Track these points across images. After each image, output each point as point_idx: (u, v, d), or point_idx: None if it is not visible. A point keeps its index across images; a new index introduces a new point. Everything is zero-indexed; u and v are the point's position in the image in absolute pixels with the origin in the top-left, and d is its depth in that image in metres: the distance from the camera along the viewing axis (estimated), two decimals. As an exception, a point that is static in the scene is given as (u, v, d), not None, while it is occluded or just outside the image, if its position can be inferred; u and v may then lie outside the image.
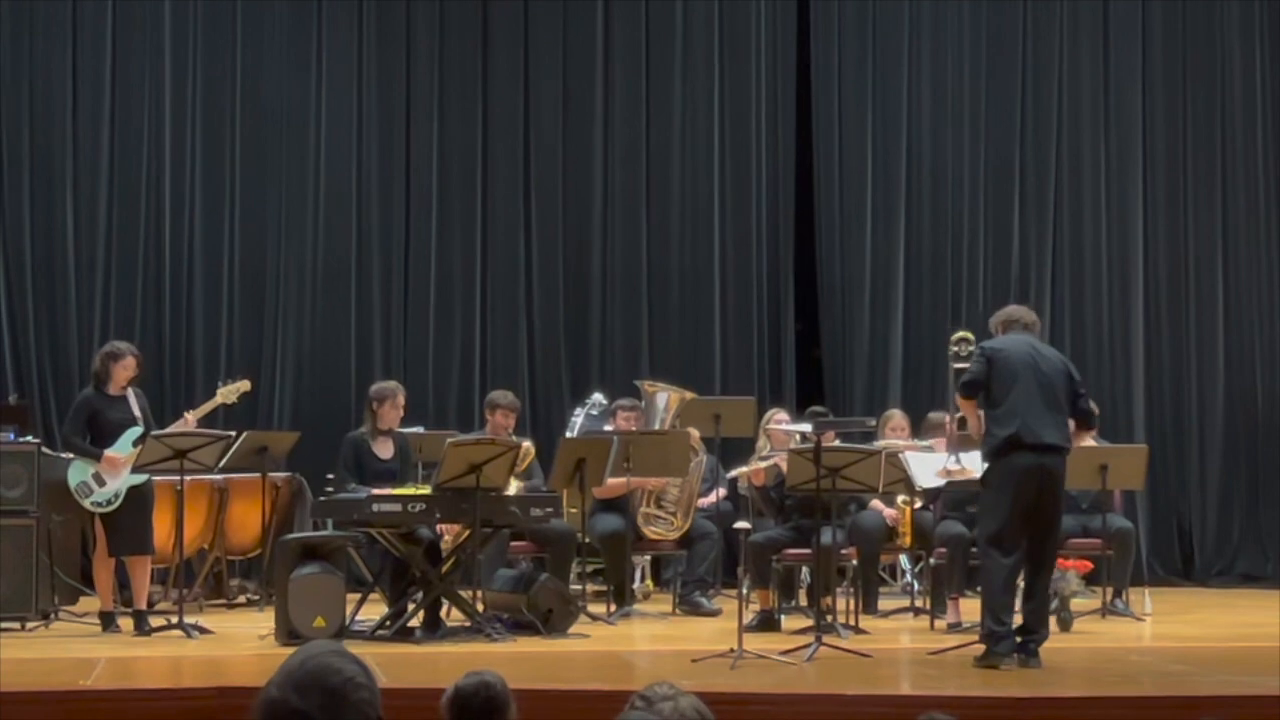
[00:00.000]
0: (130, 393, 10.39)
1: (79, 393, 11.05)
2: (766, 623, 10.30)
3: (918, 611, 11.10)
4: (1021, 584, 8.80)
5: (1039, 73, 14.28)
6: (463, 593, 10.17)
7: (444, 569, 10.04)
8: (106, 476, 10.18)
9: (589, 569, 11.68)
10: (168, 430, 10.32)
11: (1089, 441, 10.33)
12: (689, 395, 12.22)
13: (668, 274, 14.08)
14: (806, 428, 9.98)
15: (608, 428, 11.79)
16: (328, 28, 13.90)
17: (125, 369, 10.36)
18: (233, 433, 10.96)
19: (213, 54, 13.75)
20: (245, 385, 11.13)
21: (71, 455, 10.51)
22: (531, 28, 14.06)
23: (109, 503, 10.19)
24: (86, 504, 10.24)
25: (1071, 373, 8.83)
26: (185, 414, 10.70)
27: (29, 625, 10.25)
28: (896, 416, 11.73)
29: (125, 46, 13.68)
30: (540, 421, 13.66)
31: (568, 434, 11.93)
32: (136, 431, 10.19)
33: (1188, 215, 14.23)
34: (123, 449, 10.15)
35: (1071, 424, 8.80)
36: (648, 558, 12.40)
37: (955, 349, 10.14)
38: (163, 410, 11.62)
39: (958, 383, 9.11)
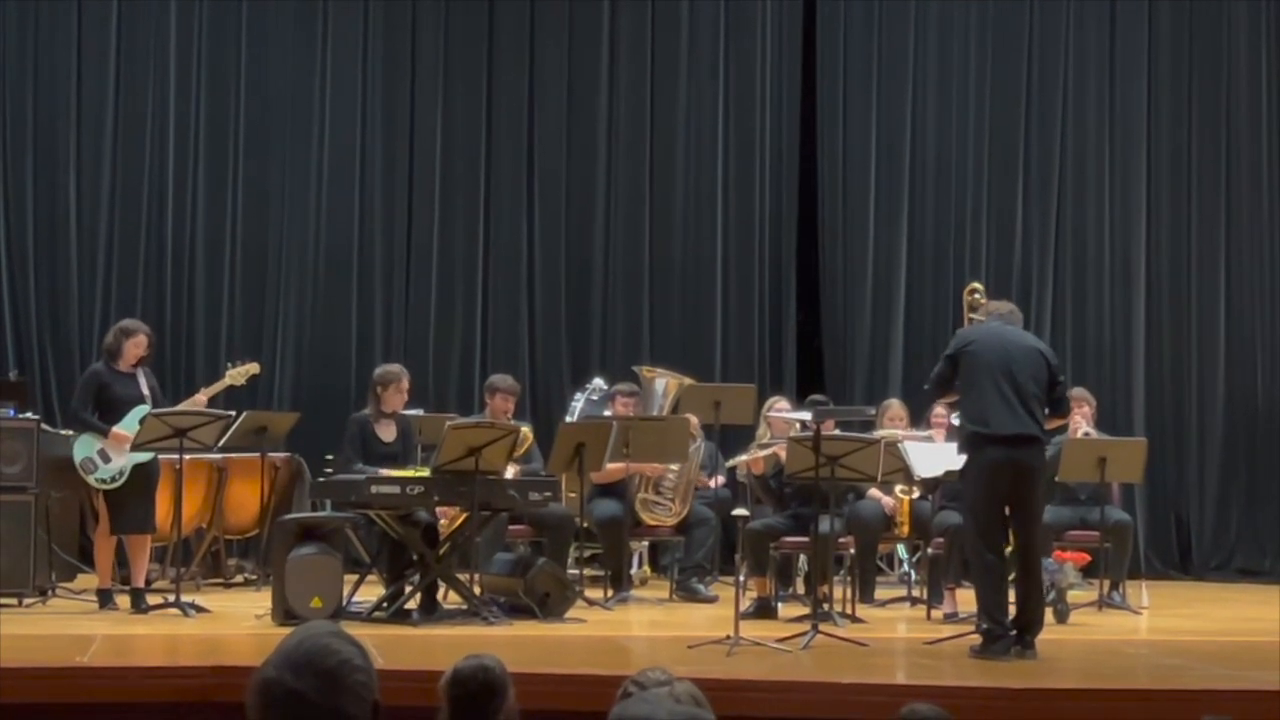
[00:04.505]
0: (140, 372, 10.41)
1: (84, 368, 11.09)
2: (763, 610, 10.29)
3: (914, 601, 11.10)
4: (1013, 577, 8.81)
5: (1044, 66, 14.26)
6: (460, 576, 10.18)
7: (441, 552, 10.04)
8: (112, 453, 10.18)
9: (586, 554, 11.68)
10: (170, 408, 10.34)
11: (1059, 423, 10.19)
12: (687, 381, 12.23)
13: (670, 261, 14.07)
14: (806, 416, 9.98)
15: (607, 413, 11.79)
16: (333, 11, 13.88)
17: (137, 346, 10.37)
18: (232, 412, 10.97)
19: (217, 36, 13.72)
20: (255, 368, 11.13)
21: (72, 433, 10.51)
22: (537, 15, 14.03)
23: (113, 480, 10.19)
24: (91, 480, 10.24)
25: (1048, 359, 8.79)
26: (201, 390, 10.72)
27: (26, 601, 10.26)
28: (895, 406, 11.73)
29: (130, 27, 13.66)
30: (540, 406, 13.66)
31: (567, 419, 11.93)
32: (144, 410, 10.19)
33: (1191, 210, 14.22)
34: (130, 426, 10.14)
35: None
36: (645, 543, 12.39)
37: (969, 298, 10.24)
38: (162, 388, 11.60)
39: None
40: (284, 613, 9.51)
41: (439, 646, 8.62)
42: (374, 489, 9.73)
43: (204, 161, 13.71)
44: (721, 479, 12.09)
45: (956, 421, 9.59)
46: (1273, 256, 14.13)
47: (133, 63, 13.66)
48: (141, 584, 10.28)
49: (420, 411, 11.76)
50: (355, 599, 10.02)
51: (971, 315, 9.79)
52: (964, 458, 8.82)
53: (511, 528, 11.23)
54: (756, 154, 14.14)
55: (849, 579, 10.81)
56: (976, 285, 10.28)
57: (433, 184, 13.92)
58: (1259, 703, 7.25)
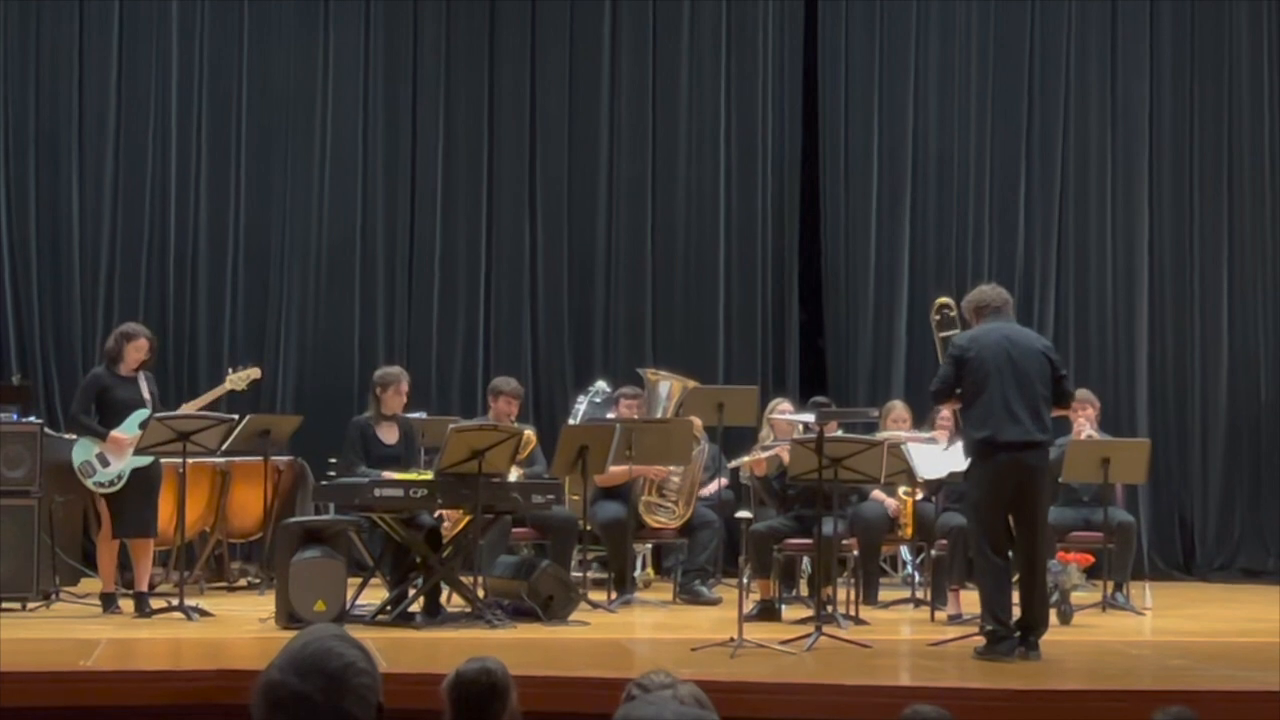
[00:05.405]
0: (141, 376, 10.42)
1: (86, 372, 11.09)
2: (767, 612, 10.30)
3: (918, 603, 11.10)
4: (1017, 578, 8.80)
5: (1046, 65, 14.26)
6: (464, 578, 10.18)
7: (445, 554, 10.04)
8: (111, 457, 10.18)
9: (590, 556, 11.70)
10: (173, 412, 10.35)
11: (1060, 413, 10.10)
12: (691, 384, 12.24)
13: (672, 262, 14.08)
14: (809, 417, 9.98)
15: (610, 415, 11.80)
16: (335, 11, 13.88)
17: (138, 350, 10.38)
18: (235, 416, 10.97)
19: (220, 36, 13.74)
20: (255, 373, 11.14)
21: (73, 436, 10.51)
22: (538, 15, 14.04)
23: (111, 484, 10.19)
24: (89, 484, 10.25)
25: (1050, 356, 8.77)
26: (183, 406, 10.74)
27: (30, 606, 10.26)
28: (899, 408, 11.74)
29: (132, 28, 13.67)
30: (543, 408, 13.66)
31: (570, 421, 11.93)
32: (144, 414, 10.20)
33: (1193, 210, 14.22)
34: (129, 430, 10.15)
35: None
36: (649, 546, 12.40)
37: (937, 316, 10.20)
38: (165, 391, 11.62)
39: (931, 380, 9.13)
40: (288, 616, 9.52)
41: (442, 649, 8.62)
42: (377, 492, 9.73)
43: (206, 165, 13.72)
44: (724, 481, 12.10)
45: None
46: (1275, 255, 14.12)
47: (134, 65, 13.67)
48: (145, 588, 10.29)
49: (423, 414, 11.77)
50: (359, 602, 10.02)
51: (943, 334, 9.71)
52: (969, 461, 8.83)
53: (515, 530, 11.24)
54: (758, 154, 14.14)
55: (852, 581, 10.80)
56: (945, 300, 10.18)
57: (434, 185, 13.93)
58: (1263, 703, 7.25)
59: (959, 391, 8.77)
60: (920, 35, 14.26)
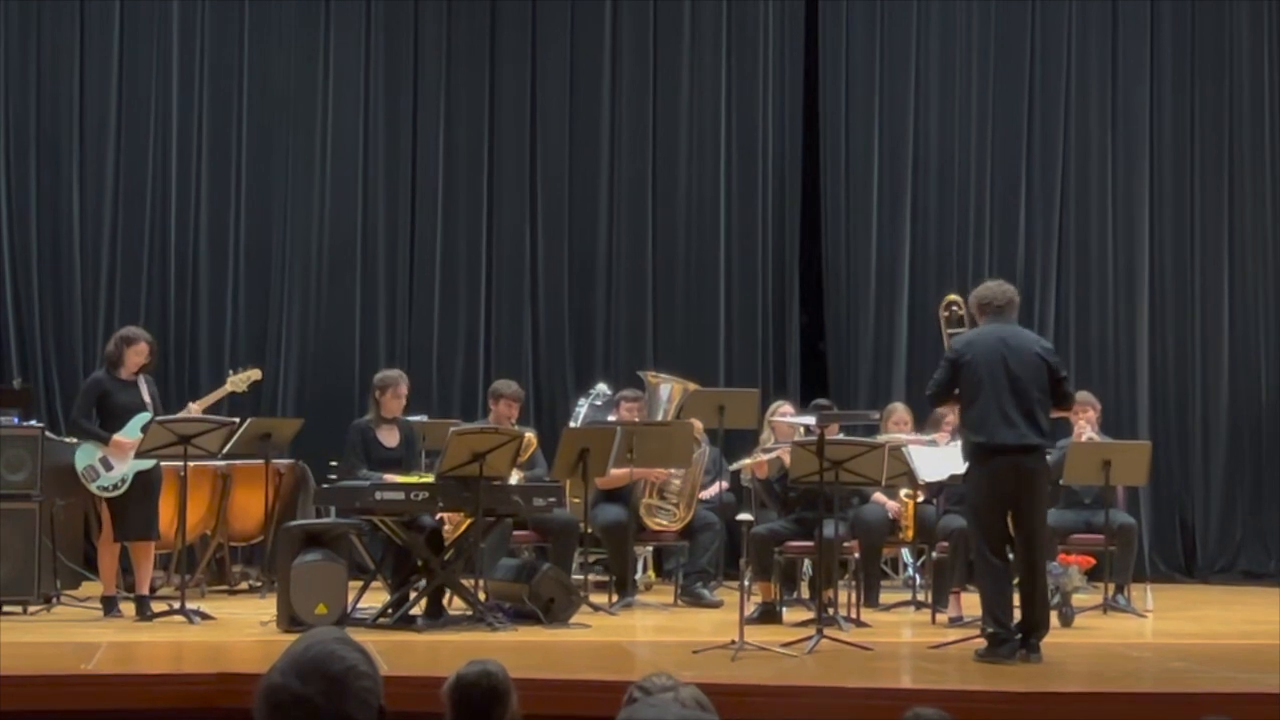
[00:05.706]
0: (142, 379, 10.41)
1: (86, 375, 11.09)
2: (768, 615, 10.30)
3: (919, 605, 11.10)
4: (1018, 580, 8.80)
5: (1047, 67, 14.26)
6: (465, 581, 10.18)
7: (446, 557, 10.04)
8: (114, 461, 10.18)
9: (591, 559, 11.70)
10: (175, 415, 10.34)
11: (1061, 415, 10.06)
12: (691, 386, 12.24)
13: (673, 265, 14.07)
14: (810, 420, 9.98)
15: (611, 418, 11.80)
16: (336, 13, 13.88)
17: (138, 354, 10.38)
18: (236, 419, 10.97)
19: (220, 36, 13.74)
20: (256, 374, 11.13)
21: (75, 439, 10.51)
22: (539, 13, 14.04)
23: (115, 487, 10.19)
24: (93, 488, 10.24)
25: (1048, 360, 8.71)
26: (190, 405, 10.73)
27: (31, 609, 10.26)
28: (900, 410, 11.74)
29: (132, 29, 13.67)
30: (544, 411, 13.66)
31: (571, 424, 11.93)
32: (145, 417, 10.19)
33: (1194, 212, 14.21)
34: (131, 434, 10.14)
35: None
36: (650, 548, 12.40)
37: (945, 313, 10.21)
38: (166, 394, 11.61)
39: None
40: (289, 619, 9.51)
41: (444, 653, 8.62)
42: (378, 495, 9.72)
43: (206, 167, 13.72)
44: (725, 483, 12.10)
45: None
46: (1276, 258, 14.11)
47: (134, 65, 13.67)
48: (146, 591, 10.29)
49: (424, 417, 11.77)
50: (360, 605, 10.02)
51: (951, 331, 9.70)
52: (967, 464, 8.83)
53: (516, 533, 11.24)
54: (759, 157, 14.13)
55: (853, 583, 10.80)
56: (954, 298, 10.19)
57: (435, 186, 13.92)
58: (1264, 705, 7.25)
59: (957, 393, 8.77)
60: (921, 36, 14.26)
